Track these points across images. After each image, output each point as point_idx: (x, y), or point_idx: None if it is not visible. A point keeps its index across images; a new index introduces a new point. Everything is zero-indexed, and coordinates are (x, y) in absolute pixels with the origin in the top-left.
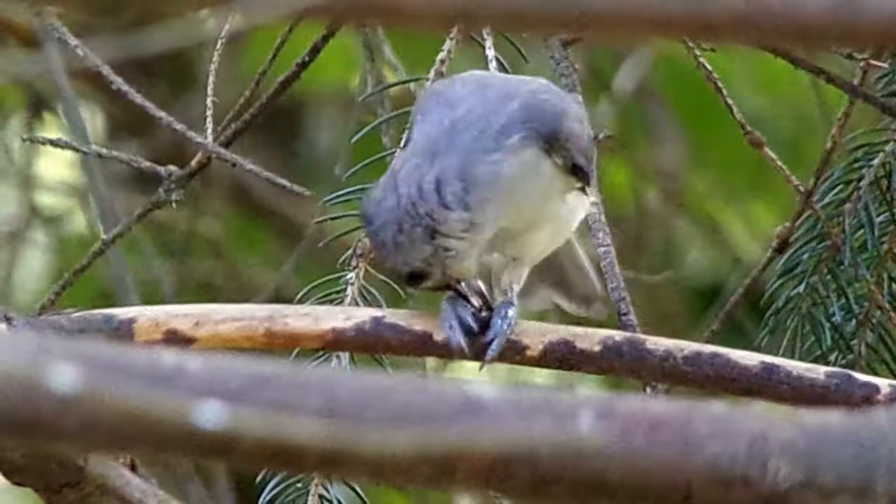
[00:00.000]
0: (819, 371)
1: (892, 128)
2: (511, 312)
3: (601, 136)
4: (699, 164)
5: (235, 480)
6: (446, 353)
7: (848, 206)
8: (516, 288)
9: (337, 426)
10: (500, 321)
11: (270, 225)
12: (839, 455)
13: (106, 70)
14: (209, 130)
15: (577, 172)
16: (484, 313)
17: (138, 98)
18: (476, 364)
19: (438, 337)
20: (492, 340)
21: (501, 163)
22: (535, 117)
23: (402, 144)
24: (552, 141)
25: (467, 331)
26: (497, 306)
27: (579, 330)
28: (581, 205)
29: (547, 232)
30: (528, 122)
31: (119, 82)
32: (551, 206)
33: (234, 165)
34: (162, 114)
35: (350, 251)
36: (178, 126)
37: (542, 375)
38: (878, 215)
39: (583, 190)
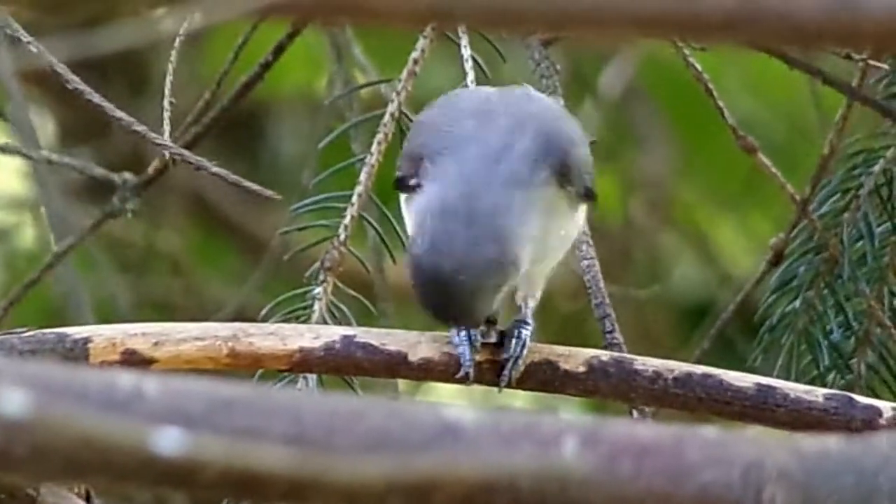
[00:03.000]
0: (818, 393)
1: (892, 132)
2: (526, 333)
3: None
4: (688, 171)
5: None
6: (423, 374)
7: (846, 215)
8: (532, 304)
9: (305, 453)
10: (514, 342)
11: (233, 238)
12: (839, 483)
13: (61, 69)
14: (167, 134)
15: (588, 195)
16: (493, 336)
17: (95, 98)
18: (455, 386)
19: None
20: (505, 363)
21: (534, 206)
22: (550, 150)
23: (404, 176)
24: (566, 172)
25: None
26: (511, 325)
27: (563, 349)
28: (583, 213)
29: (562, 252)
30: (545, 156)
31: (75, 81)
32: (568, 232)
33: (197, 168)
34: (120, 114)
35: (317, 264)
36: (138, 127)
37: (522, 398)
38: (879, 226)
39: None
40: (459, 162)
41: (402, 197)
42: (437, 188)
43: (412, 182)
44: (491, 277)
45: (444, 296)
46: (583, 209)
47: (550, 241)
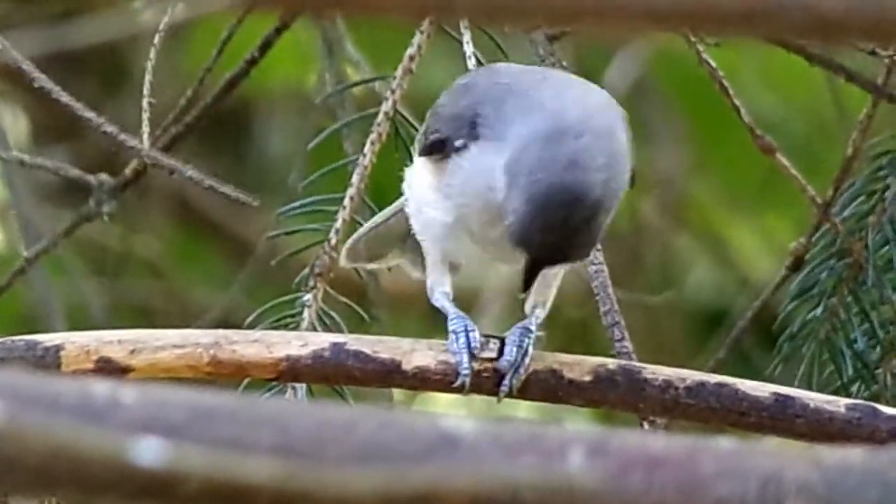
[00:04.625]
0: (839, 404)
1: None
2: (528, 341)
3: None
4: (702, 171)
5: None
6: (417, 383)
7: (871, 219)
8: (540, 313)
9: (292, 465)
10: (514, 350)
11: (216, 241)
12: (862, 497)
13: (27, 66)
14: (145, 134)
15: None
16: (492, 350)
17: (64, 97)
18: (453, 396)
19: (451, 358)
20: (506, 372)
21: (620, 145)
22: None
23: (448, 137)
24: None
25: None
26: (512, 331)
27: (568, 358)
28: None
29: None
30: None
31: (43, 80)
32: None
33: (172, 173)
34: (92, 115)
35: (307, 270)
36: (111, 129)
37: (525, 409)
38: None
39: None
40: (536, 100)
41: (422, 169)
42: (524, 125)
43: (459, 143)
44: (618, 197)
45: (577, 228)
46: None
47: (621, 169)
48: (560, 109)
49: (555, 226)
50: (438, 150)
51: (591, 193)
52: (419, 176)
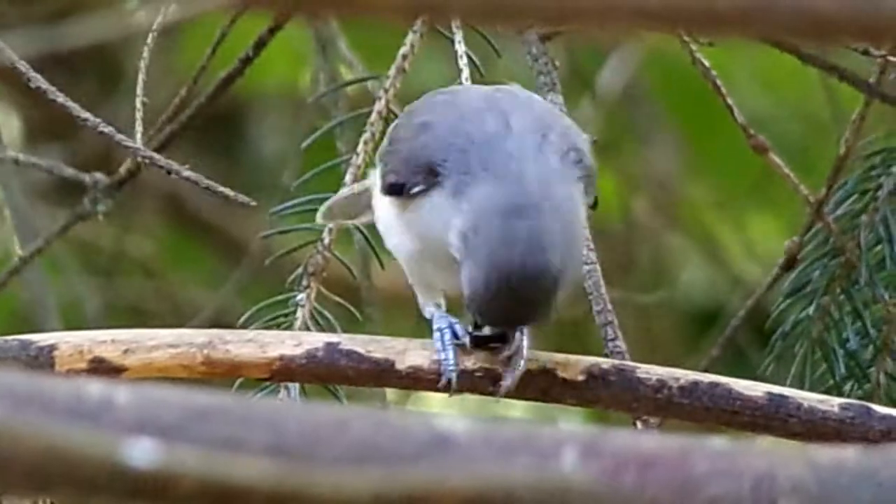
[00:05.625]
0: (833, 403)
1: None
2: (526, 340)
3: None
4: (695, 171)
5: None
6: (411, 383)
7: (864, 218)
8: None
9: (286, 465)
10: (518, 337)
11: (209, 241)
12: (856, 497)
13: (22, 65)
14: (139, 134)
15: (594, 203)
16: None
17: (60, 97)
18: (446, 395)
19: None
20: (510, 363)
21: (577, 218)
22: (576, 149)
23: (405, 183)
24: (589, 172)
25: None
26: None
27: (561, 357)
28: None
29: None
30: (574, 155)
31: (38, 79)
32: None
33: (169, 173)
34: (87, 115)
35: (300, 269)
36: (106, 128)
37: (518, 408)
38: None
39: None
40: (497, 159)
41: (389, 202)
42: (482, 192)
43: (416, 190)
44: (578, 261)
45: (535, 299)
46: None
47: (578, 243)
48: (521, 175)
49: (513, 304)
50: (397, 192)
51: (550, 272)
52: (383, 203)
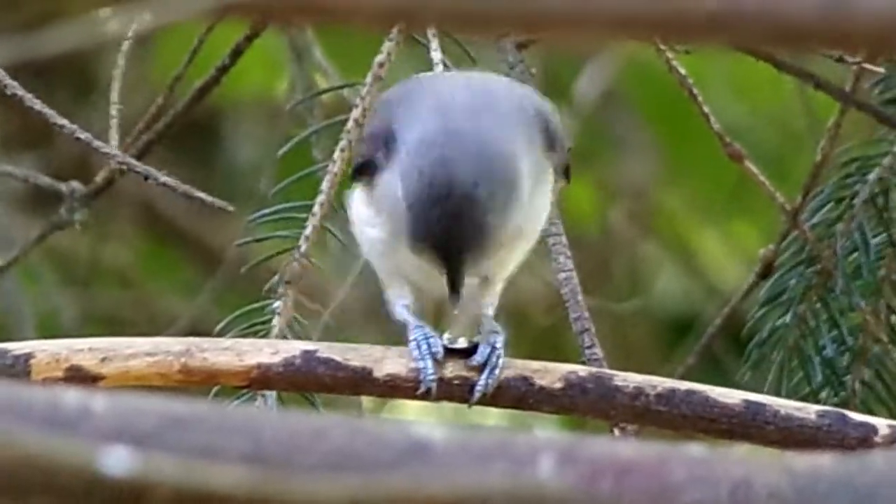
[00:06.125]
0: (809, 410)
1: (888, 139)
2: (500, 343)
3: None
4: (671, 179)
5: None
6: (389, 391)
7: (840, 226)
8: (491, 312)
9: (263, 473)
10: (486, 349)
11: (185, 249)
12: (832, 503)
13: None
14: (114, 140)
15: (565, 172)
16: (463, 342)
17: (37, 105)
18: (424, 403)
19: (413, 365)
20: (480, 374)
21: (523, 160)
22: (536, 112)
23: (366, 158)
24: (551, 136)
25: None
26: (482, 334)
27: (538, 364)
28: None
29: (526, 242)
30: (533, 117)
31: (15, 87)
32: (545, 209)
33: (147, 179)
34: (64, 121)
35: (277, 277)
36: (83, 135)
37: (495, 416)
38: (874, 236)
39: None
40: (443, 112)
41: (358, 190)
42: (420, 134)
43: (378, 159)
44: (507, 189)
45: (456, 215)
46: (555, 188)
47: (533, 210)
48: (447, 110)
49: (434, 220)
50: (365, 172)
51: (459, 188)
52: (356, 196)
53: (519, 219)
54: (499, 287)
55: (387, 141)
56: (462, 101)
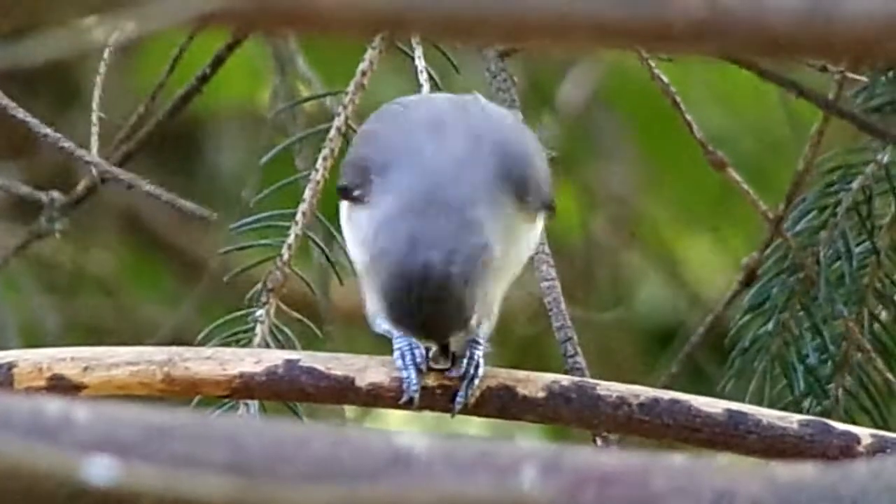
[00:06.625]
0: (792, 419)
1: (871, 147)
2: (478, 353)
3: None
4: (654, 187)
5: None
6: (371, 400)
7: (823, 234)
8: (486, 327)
9: (246, 482)
10: (465, 361)
11: (168, 258)
12: None
13: None
14: (94, 148)
15: (548, 207)
16: (444, 362)
17: (20, 113)
18: (407, 413)
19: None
20: (459, 386)
21: (497, 224)
22: (508, 167)
23: (349, 186)
24: (524, 188)
25: (419, 371)
26: (462, 345)
27: (521, 374)
28: (541, 225)
29: (519, 269)
30: (505, 174)
31: None
32: (526, 251)
33: (129, 187)
34: (47, 130)
35: (259, 285)
36: (66, 143)
37: (477, 426)
38: (857, 245)
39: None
40: (416, 173)
41: (345, 206)
42: (392, 198)
43: (357, 193)
44: (479, 269)
45: (435, 299)
46: (540, 222)
47: (509, 261)
48: (415, 187)
49: (413, 305)
50: (344, 196)
51: (435, 271)
52: (342, 210)
53: (497, 285)
54: (496, 303)
55: (363, 178)
56: (432, 158)
